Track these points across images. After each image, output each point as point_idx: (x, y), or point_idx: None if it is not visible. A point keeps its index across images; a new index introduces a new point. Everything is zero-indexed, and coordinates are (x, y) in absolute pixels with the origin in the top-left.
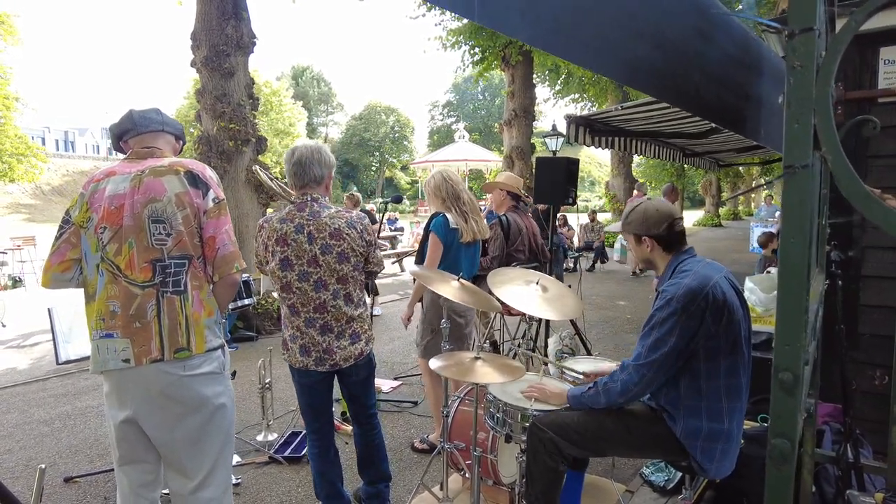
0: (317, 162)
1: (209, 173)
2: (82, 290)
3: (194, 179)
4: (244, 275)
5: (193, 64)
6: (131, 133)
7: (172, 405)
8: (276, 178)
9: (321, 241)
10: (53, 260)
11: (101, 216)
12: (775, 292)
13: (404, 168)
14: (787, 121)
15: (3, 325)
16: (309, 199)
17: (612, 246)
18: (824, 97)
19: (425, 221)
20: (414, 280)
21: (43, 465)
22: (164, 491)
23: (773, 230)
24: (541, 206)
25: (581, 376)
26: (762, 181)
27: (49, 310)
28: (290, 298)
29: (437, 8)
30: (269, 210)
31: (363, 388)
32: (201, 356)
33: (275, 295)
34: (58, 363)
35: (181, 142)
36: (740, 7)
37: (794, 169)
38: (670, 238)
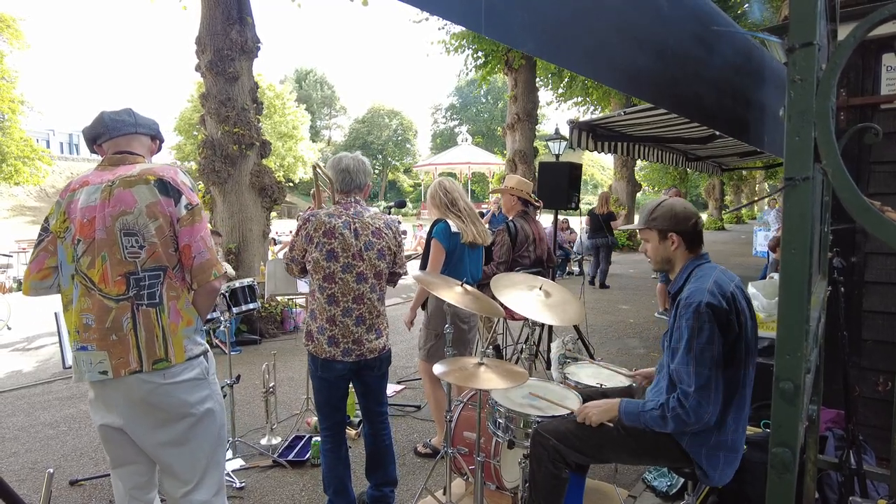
0: (362, 171)
1: (181, 178)
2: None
3: (165, 187)
4: (248, 279)
5: (198, 68)
6: (104, 137)
7: (155, 412)
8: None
9: (365, 237)
10: (33, 268)
11: (76, 228)
12: (777, 298)
13: (407, 171)
14: (787, 134)
15: (9, 328)
16: (353, 200)
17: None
18: (824, 111)
19: (428, 227)
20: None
21: (51, 470)
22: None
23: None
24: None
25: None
26: (765, 186)
27: (56, 314)
28: (331, 288)
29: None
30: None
31: (380, 383)
32: (181, 365)
33: (278, 298)
34: (64, 367)
35: (158, 141)
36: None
37: (795, 181)
38: (695, 235)
